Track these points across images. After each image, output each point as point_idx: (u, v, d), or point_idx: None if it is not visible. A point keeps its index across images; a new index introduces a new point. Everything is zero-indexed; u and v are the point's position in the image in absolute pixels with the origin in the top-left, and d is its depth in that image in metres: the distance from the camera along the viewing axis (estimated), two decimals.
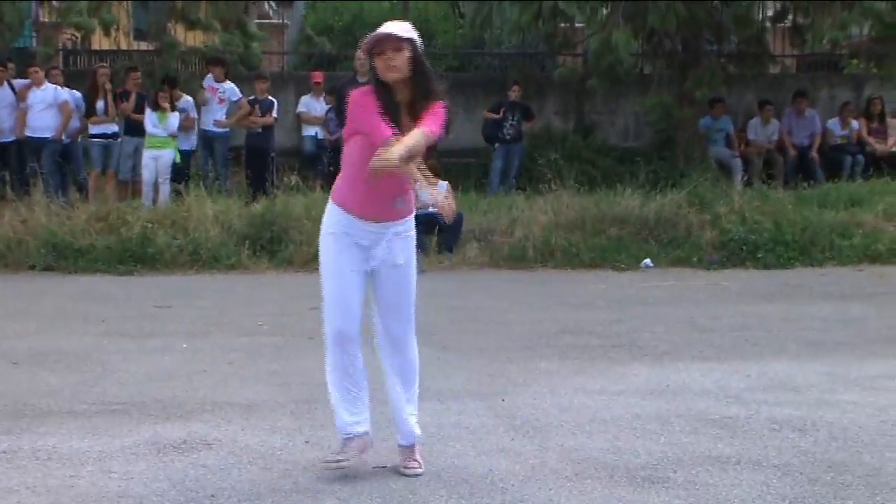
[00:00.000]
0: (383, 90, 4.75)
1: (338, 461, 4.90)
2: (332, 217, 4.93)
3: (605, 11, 17.00)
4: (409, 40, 4.68)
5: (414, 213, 5.08)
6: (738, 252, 12.84)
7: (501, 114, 16.44)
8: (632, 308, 9.88)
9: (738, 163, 16.71)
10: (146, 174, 14.33)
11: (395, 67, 4.67)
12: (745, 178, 16.11)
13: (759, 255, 12.75)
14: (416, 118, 4.71)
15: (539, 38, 19.32)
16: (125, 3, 17.42)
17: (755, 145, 17.25)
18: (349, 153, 4.89)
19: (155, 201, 14.13)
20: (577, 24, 18.66)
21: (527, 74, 18.64)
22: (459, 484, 4.82)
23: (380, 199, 4.86)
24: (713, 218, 13.38)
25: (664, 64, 17.67)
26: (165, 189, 14.26)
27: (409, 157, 4.60)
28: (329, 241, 4.92)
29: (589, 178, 15.56)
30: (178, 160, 14.51)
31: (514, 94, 16.60)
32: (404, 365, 5.08)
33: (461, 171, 16.64)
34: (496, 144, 16.51)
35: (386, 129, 4.66)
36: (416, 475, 4.92)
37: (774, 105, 17.57)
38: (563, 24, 17.93)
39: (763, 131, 17.31)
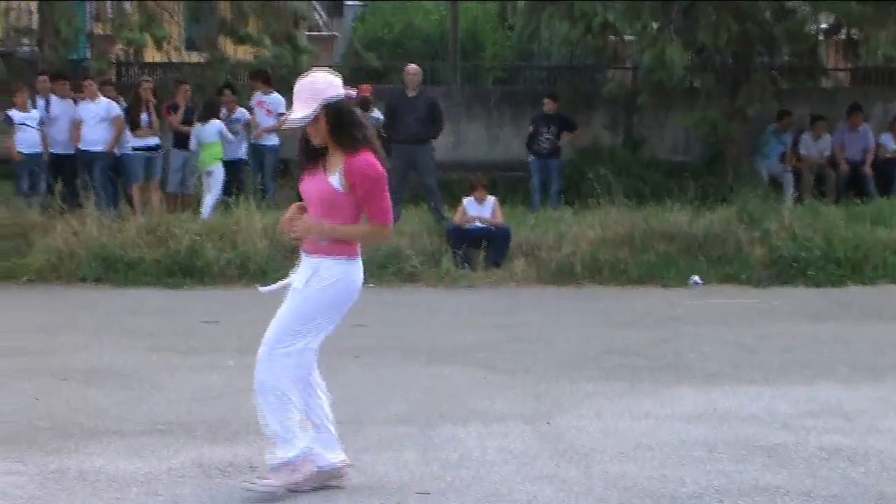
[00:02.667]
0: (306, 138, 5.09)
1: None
2: None
3: (655, 26, 16.94)
4: (324, 107, 4.88)
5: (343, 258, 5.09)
6: (788, 269, 12.68)
7: (534, 128, 16.37)
8: (679, 327, 9.81)
9: (789, 178, 16.56)
10: (217, 186, 14.48)
11: (315, 138, 4.99)
12: (796, 194, 15.94)
13: (810, 273, 12.58)
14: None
15: (588, 52, 19.30)
16: (177, 15, 17.57)
17: (807, 160, 17.04)
18: None
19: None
20: (626, 38, 18.61)
21: (575, 88, 18.61)
22: None
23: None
24: (763, 234, 13.22)
25: (714, 78, 17.58)
26: (212, 204, 14.38)
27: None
28: None
29: (637, 193, 15.44)
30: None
31: (548, 107, 16.51)
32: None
33: (509, 185, 16.66)
34: (531, 158, 16.45)
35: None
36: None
37: (827, 119, 17.37)
38: (612, 38, 17.89)
39: (815, 146, 17.12)
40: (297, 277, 5.09)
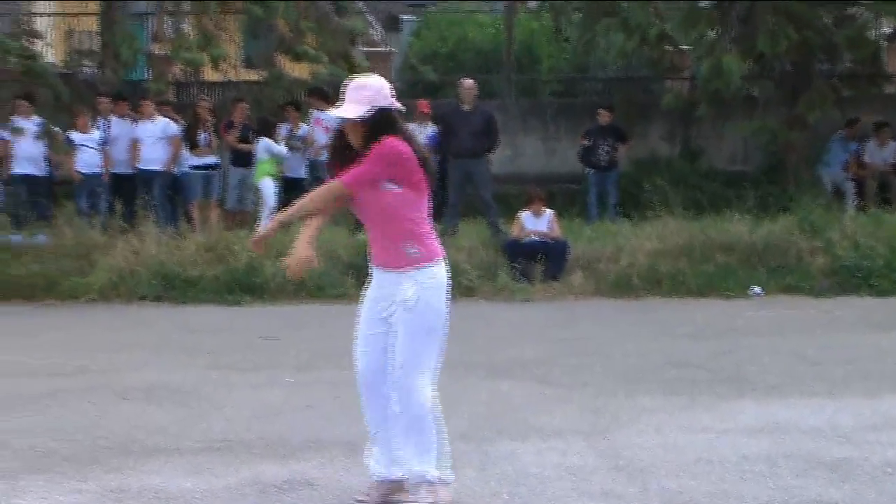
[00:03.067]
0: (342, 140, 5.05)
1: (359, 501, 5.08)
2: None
3: (712, 35, 16.81)
4: (376, 112, 4.83)
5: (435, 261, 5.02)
6: (850, 279, 12.50)
7: (590, 140, 16.33)
8: (739, 339, 9.70)
9: (850, 186, 16.35)
10: (271, 202, 14.58)
11: (356, 140, 4.93)
12: (859, 202, 15.73)
13: (873, 283, 12.40)
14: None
15: (645, 63, 19.21)
16: (235, 34, 17.73)
17: (870, 168, 16.82)
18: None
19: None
20: (683, 48, 18.49)
21: (631, 99, 18.53)
22: None
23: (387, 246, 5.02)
24: (825, 244, 13.05)
25: (773, 86, 17.41)
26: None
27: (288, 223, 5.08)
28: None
29: (695, 204, 15.31)
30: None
31: (603, 119, 16.45)
32: (405, 417, 4.99)
33: (567, 197, 16.60)
34: (588, 171, 16.41)
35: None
36: None
37: (891, 126, 17.11)
38: (668, 48, 17.78)
39: (879, 153, 16.87)
40: (401, 296, 4.96)
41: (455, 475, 5.14)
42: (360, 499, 5.09)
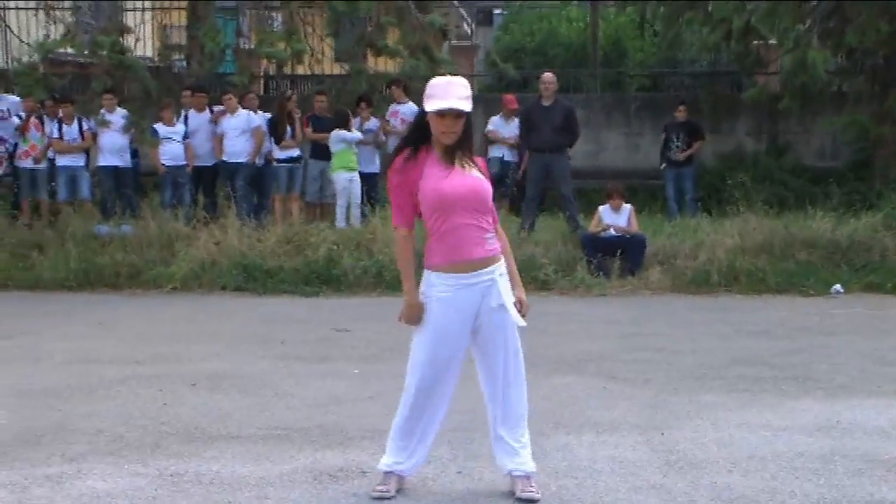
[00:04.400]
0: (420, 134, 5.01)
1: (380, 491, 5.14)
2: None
3: (801, 28, 16.56)
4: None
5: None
6: None
7: (666, 135, 16.26)
8: (813, 337, 9.57)
9: None
10: (345, 195, 14.71)
11: (454, 135, 4.90)
12: None
13: None
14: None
15: (732, 57, 18.99)
16: (320, 30, 17.91)
17: None
18: None
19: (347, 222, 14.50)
20: (770, 42, 18.24)
21: (717, 94, 18.35)
22: None
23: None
24: None
25: (863, 80, 17.10)
26: (357, 212, 14.60)
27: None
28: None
29: (780, 200, 15.16)
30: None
31: (680, 114, 16.34)
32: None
33: (648, 193, 16.52)
34: (663, 166, 16.33)
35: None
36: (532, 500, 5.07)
37: None
38: (755, 42, 17.56)
39: None
40: (500, 297, 5.01)
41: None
42: (381, 489, 5.16)
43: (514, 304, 5.05)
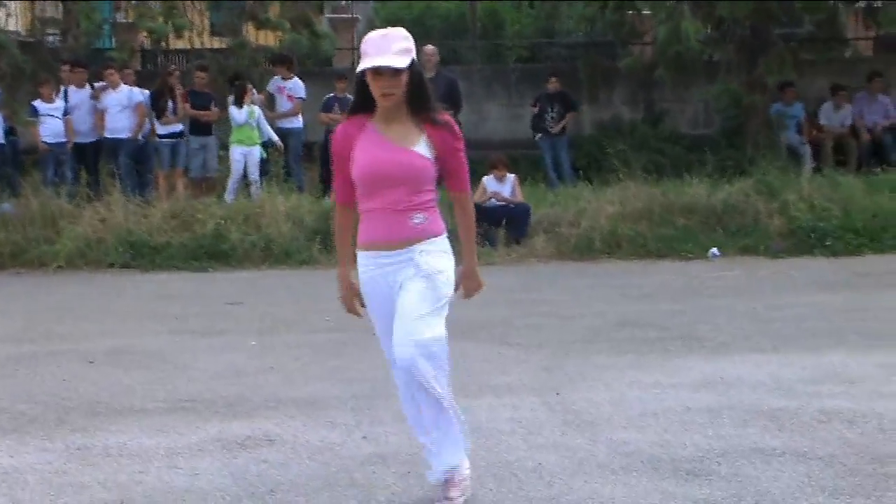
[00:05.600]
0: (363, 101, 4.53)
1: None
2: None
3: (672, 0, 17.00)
4: (409, 66, 4.37)
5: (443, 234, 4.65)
6: (806, 240, 12.76)
7: (538, 106, 16.56)
8: (695, 299, 9.95)
9: (807, 149, 16.58)
10: (237, 169, 14.63)
11: (392, 96, 4.41)
12: (816, 165, 15.99)
13: (828, 243, 12.65)
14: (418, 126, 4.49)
15: (608, 28, 19.38)
16: (199, 3, 17.76)
17: (828, 131, 17.06)
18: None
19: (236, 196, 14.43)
20: (644, 13, 18.67)
21: (595, 64, 18.71)
22: (508, 478, 4.98)
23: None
24: (781, 206, 13.28)
25: (733, 50, 17.62)
26: (256, 187, 14.54)
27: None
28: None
29: (657, 168, 15.58)
30: (264, 156, 14.83)
31: (552, 85, 16.67)
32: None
33: (529, 163, 16.79)
34: (538, 137, 16.64)
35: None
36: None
37: (849, 89, 17.35)
38: (630, 13, 17.96)
39: (836, 116, 17.14)
40: (418, 269, 4.53)
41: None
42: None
43: (441, 275, 4.57)
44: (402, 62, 4.32)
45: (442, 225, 4.63)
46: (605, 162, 15.39)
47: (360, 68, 4.41)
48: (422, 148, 4.47)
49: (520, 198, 13.39)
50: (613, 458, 5.22)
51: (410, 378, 4.51)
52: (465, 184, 4.69)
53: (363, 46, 4.40)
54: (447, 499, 4.63)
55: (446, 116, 4.57)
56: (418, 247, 4.52)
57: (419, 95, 4.45)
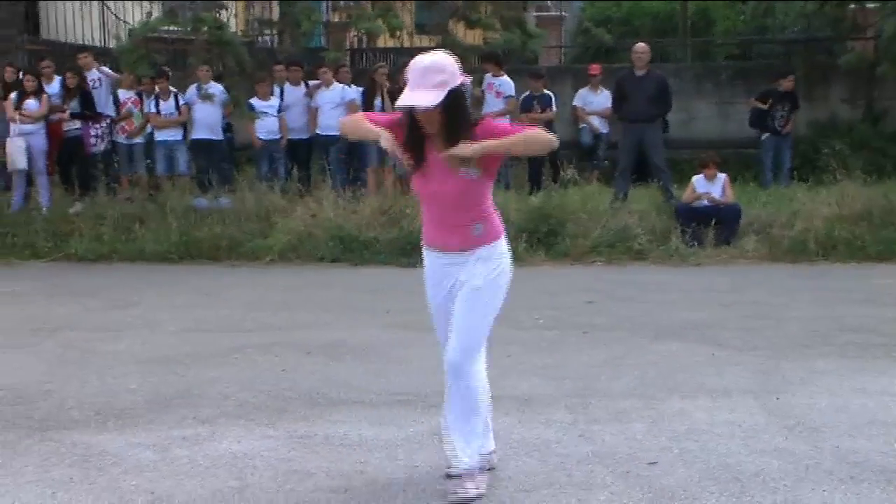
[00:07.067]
0: (412, 125, 4.70)
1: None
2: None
3: None
4: (451, 93, 4.51)
5: (501, 237, 4.90)
6: None
7: (769, 104, 16.07)
8: None
9: None
10: None
11: (430, 125, 4.62)
12: None
13: None
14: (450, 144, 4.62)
15: (826, 23, 18.75)
16: (408, 2, 18.01)
17: None
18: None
19: None
20: (868, 6, 17.97)
21: (812, 61, 18.13)
22: (730, 482, 4.86)
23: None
24: None
25: None
26: None
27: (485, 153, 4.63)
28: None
29: (877, 168, 14.99)
30: None
31: (787, 83, 16.14)
32: (462, 393, 4.93)
33: (741, 161, 16.42)
34: (764, 136, 16.16)
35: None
36: (464, 499, 4.76)
37: None
38: (852, 6, 17.31)
39: None
40: (466, 277, 4.81)
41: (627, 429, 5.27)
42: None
43: (495, 282, 4.84)
44: (435, 99, 4.46)
45: (500, 228, 4.90)
46: (820, 162, 14.89)
47: (397, 105, 4.64)
48: (471, 166, 4.64)
49: (730, 198, 13.08)
50: (841, 467, 5.04)
51: (457, 376, 4.92)
52: (524, 129, 4.74)
53: (407, 73, 4.60)
54: (462, 489, 4.77)
55: (487, 122, 4.75)
56: (477, 252, 4.80)
57: (454, 126, 4.59)
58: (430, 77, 4.50)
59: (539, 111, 15.62)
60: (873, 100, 17.96)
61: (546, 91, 15.98)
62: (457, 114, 4.59)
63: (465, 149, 4.55)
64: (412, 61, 4.64)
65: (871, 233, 12.44)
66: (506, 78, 15.38)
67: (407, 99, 4.51)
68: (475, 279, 4.80)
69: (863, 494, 4.66)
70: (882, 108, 17.89)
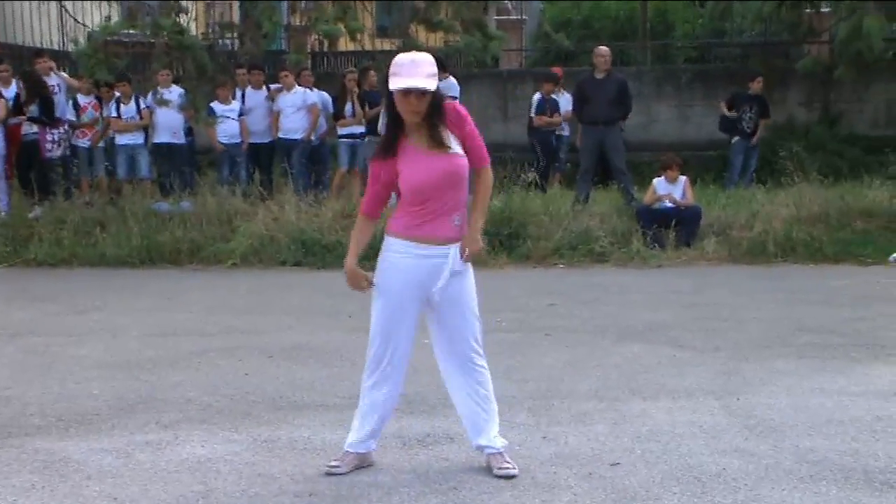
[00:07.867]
0: (395, 122, 4.97)
1: (332, 467, 5.18)
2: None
3: None
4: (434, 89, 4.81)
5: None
6: None
7: (737, 108, 16.20)
8: (876, 305, 9.62)
9: None
10: None
11: (420, 113, 4.85)
12: None
13: None
14: (434, 139, 4.90)
15: (783, 27, 18.93)
16: (368, 4, 17.98)
17: None
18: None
19: None
20: (823, 10, 18.18)
21: (769, 64, 18.31)
22: (692, 482, 4.91)
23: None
24: None
25: None
26: None
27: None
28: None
29: (834, 170, 15.16)
30: None
31: (756, 86, 16.28)
32: (479, 380, 5.46)
33: (701, 164, 16.56)
34: (734, 139, 16.28)
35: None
36: (510, 476, 5.05)
37: None
38: (808, 11, 17.50)
39: None
40: (457, 265, 5.05)
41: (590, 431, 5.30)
42: (332, 464, 5.21)
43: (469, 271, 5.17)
44: (431, 85, 4.77)
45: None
46: (778, 165, 15.03)
47: (392, 87, 4.80)
48: (454, 144, 4.92)
49: (691, 200, 13.18)
50: (801, 466, 5.10)
51: (468, 369, 5.36)
52: (486, 157, 5.09)
53: (393, 68, 4.82)
54: (507, 464, 5.09)
55: (449, 104, 4.99)
56: (453, 248, 5.01)
57: (436, 113, 4.87)
58: (423, 68, 4.77)
59: (550, 115, 16.04)
60: (829, 103, 18.19)
61: (553, 95, 16.34)
62: (439, 105, 4.88)
63: (476, 246, 5.06)
64: (397, 56, 4.87)
65: (829, 234, 12.61)
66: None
67: (410, 82, 4.73)
68: (453, 286, 5.09)
69: (821, 493, 4.72)
70: (838, 111, 18.11)
